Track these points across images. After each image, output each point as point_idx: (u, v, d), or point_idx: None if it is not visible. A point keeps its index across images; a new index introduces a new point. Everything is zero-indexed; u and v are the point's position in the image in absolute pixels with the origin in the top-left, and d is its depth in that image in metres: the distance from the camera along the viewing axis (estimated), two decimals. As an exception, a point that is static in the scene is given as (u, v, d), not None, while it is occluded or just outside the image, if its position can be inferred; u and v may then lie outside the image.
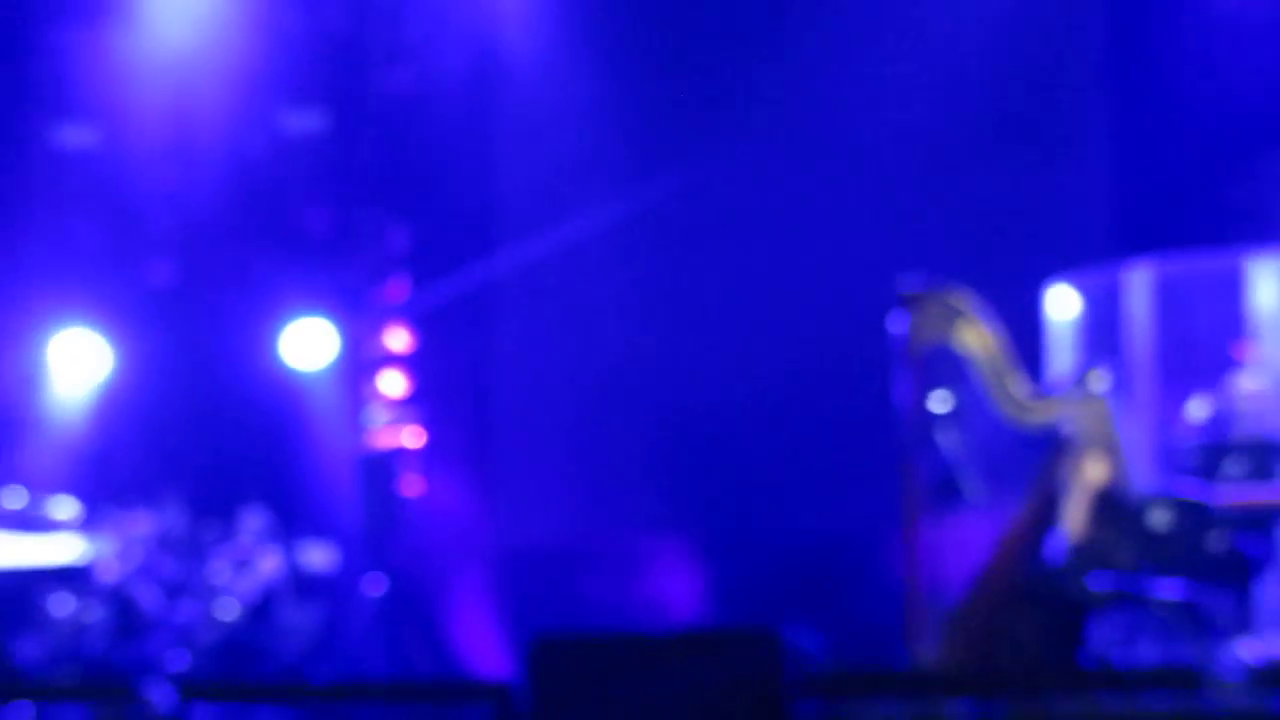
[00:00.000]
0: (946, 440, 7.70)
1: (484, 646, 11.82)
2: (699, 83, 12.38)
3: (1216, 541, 7.84)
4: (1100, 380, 7.76)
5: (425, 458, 12.61)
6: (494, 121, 12.88)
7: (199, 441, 12.32)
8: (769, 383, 11.86)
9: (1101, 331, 10.71)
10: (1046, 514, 7.68)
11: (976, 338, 7.60)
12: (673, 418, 12.25)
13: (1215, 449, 9.14)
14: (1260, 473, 8.70)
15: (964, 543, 7.59)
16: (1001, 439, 7.73)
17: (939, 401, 7.78)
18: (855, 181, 11.83)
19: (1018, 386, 7.59)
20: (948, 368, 7.66)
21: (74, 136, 12.98)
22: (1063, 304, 10.82)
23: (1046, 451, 7.72)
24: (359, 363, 12.58)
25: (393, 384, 12.41)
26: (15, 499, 11.68)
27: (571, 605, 11.62)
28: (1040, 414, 7.63)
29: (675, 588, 11.98)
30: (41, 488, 11.86)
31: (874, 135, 11.93)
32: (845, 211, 11.84)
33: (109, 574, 11.24)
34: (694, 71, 12.43)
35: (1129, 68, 12.34)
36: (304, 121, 12.96)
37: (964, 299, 7.61)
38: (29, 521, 11.62)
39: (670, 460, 12.16)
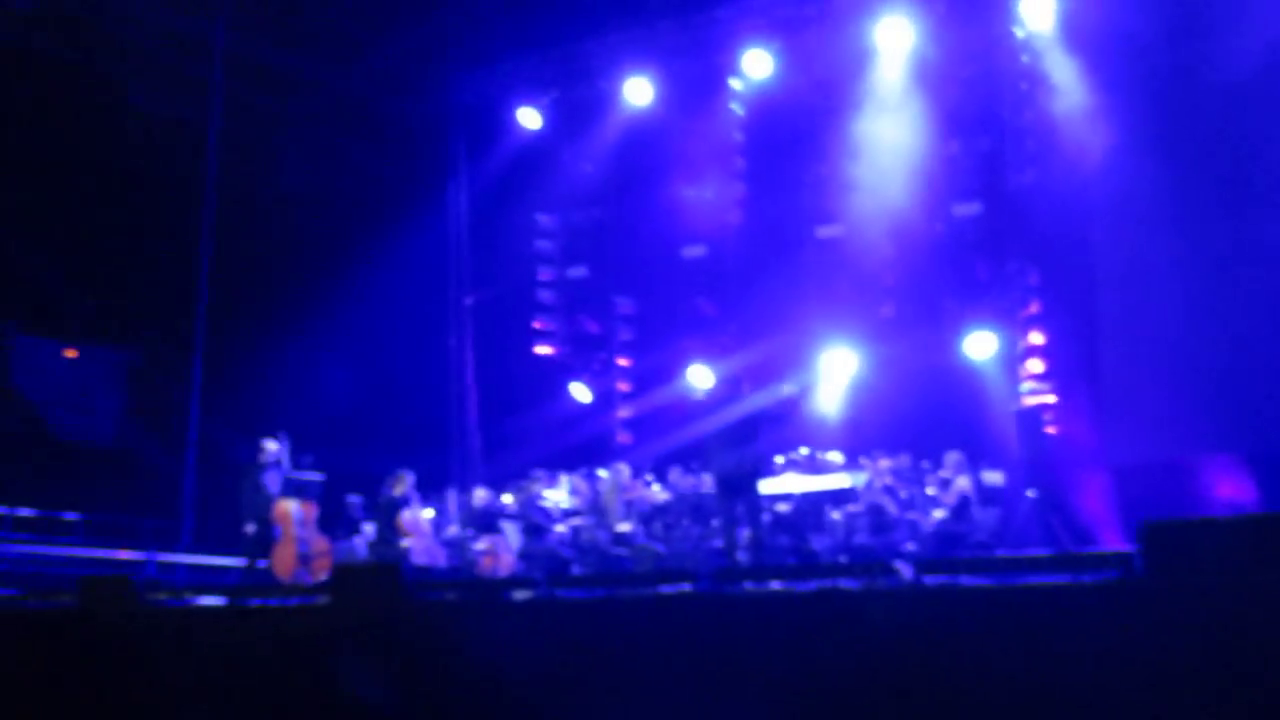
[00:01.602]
0: None
1: (1107, 532, 14.62)
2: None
3: None
4: None
5: (1059, 409, 16.29)
6: (1091, 204, 16.54)
7: (919, 410, 16.68)
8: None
9: None
10: None
11: None
12: (1229, 367, 14.67)
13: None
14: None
15: None
16: None
17: None
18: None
19: None
20: None
21: (825, 232, 18.65)
22: None
23: None
24: (1012, 354, 16.85)
25: (1034, 366, 16.55)
26: (806, 452, 15.74)
27: (1166, 502, 13.67)
28: None
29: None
30: (821, 445, 16.25)
31: None
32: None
33: (867, 494, 14.55)
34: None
35: None
36: (967, 209, 17.69)
37: None
38: (815, 465, 15.64)
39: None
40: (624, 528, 14.98)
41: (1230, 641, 5.23)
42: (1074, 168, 16.28)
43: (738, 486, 12.78)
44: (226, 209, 17.87)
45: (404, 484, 15.11)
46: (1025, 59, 17.17)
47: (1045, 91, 16.76)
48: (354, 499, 15.63)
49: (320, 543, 15.31)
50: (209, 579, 15.45)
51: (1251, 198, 14.86)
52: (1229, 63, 15.00)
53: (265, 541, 14.86)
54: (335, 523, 15.98)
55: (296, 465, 15.41)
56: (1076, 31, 16.60)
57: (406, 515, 15.05)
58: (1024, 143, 17.07)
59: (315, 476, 15.30)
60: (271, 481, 15.08)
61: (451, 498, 16.97)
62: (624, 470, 15.84)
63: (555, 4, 19.52)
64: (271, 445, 15.23)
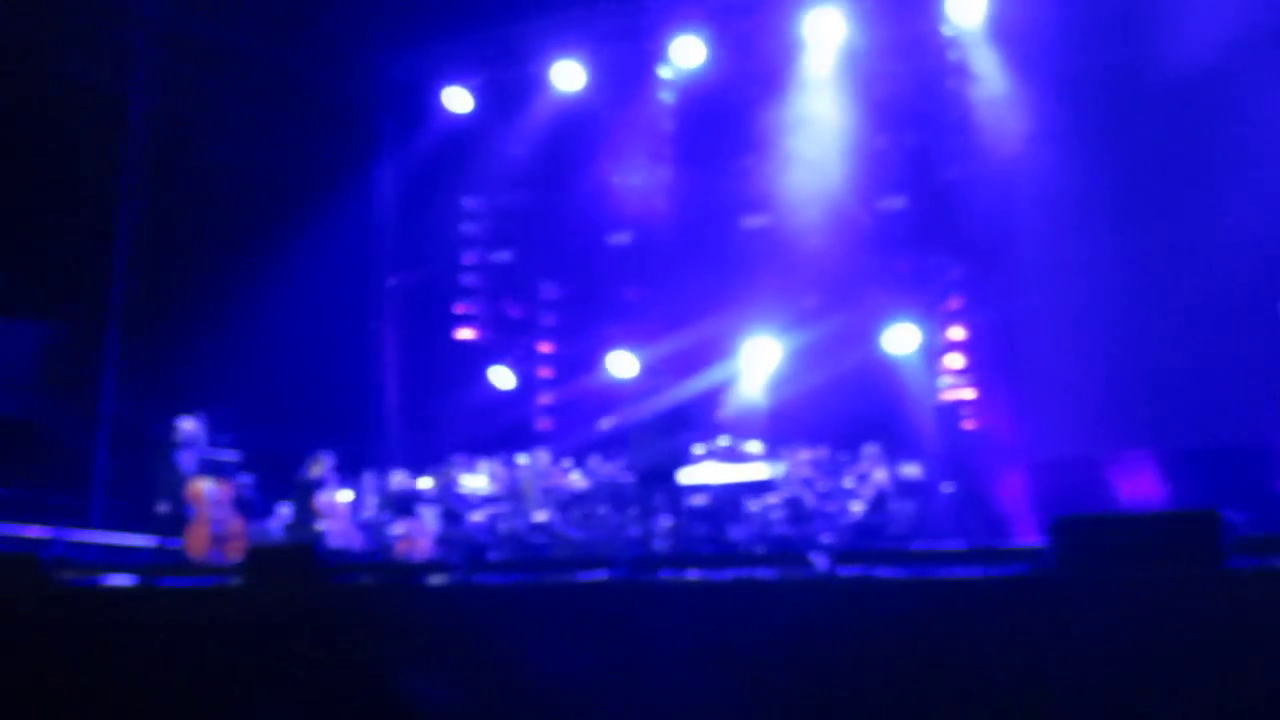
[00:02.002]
0: None
1: (1022, 527, 14.53)
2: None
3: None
4: None
5: (977, 405, 16.51)
6: (1017, 200, 16.70)
7: (839, 402, 16.63)
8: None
9: None
10: None
11: None
12: (1147, 365, 14.80)
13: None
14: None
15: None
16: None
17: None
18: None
19: None
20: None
21: (751, 222, 18.75)
22: None
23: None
24: (933, 349, 16.98)
25: (954, 361, 16.74)
26: (726, 442, 15.57)
27: (1080, 497, 13.76)
28: None
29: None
30: (742, 434, 15.99)
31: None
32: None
33: (786, 485, 14.66)
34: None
35: None
36: (893, 203, 17.73)
37: None
38: (735, 455, 15.36)
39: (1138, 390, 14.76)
40: (542, 515, 14.94)
41: (1138, 634, 5.33)
42: (1000, 164, 16.46)
43: (657, 475, 12.83)
44: (149, 182, 17.65)
45: (322, 466, 15.02)
46: (954, 55, 17.31)
47: (973, 88, 16.97)
48: (245, 479, 15.43)
49: (235, 523, 15.17)
50: (120, 558, 15.20)
51: (1170, 199, 15.08)
52: (1155, 63, 15.22)
53: (179, 521, 14.69)
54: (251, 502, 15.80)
55: (213, 444, 15.26)
56: (1005, 29, 16.74)
57: (323, 497, 14.96)
58: (951, 138, 17.18)
59: (232, 455, 15.14)
60: (187, 460, 14.92)
61: (369, 481, 16.89)
62: (544, 457, 15.83)
63: (486, -15, 19.37)
64: (188, 423, 15.06)
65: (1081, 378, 15.55)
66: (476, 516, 15.04)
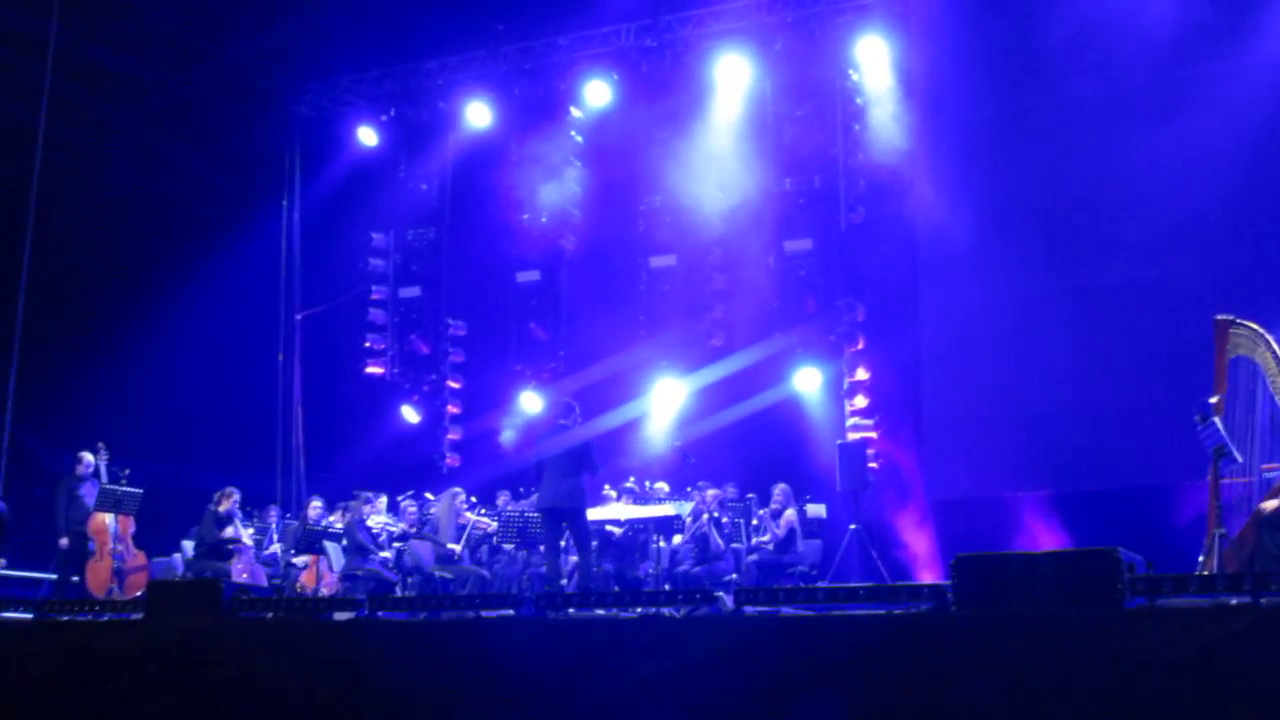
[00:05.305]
0: (1221, 421, 8.86)
1: (925, 565, 14.98)
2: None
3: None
4: None
5: (882, 444, 16.57)
6: (920, 243, 16.69)
7: (745, 441, 16.94)
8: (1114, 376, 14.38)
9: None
10: None
11: (1266, 353, 8.83)
12: (1046, 407, 14.80)
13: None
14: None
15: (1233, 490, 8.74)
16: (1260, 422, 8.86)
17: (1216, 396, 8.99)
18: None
19: None
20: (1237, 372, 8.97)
21: (658, 262, 18.78)
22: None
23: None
24: (839, 389, 17.09)
25: (859, 400, 16.79)
26: (632, 484, 15.81)
27: (982, 537, 14.02)
28: None
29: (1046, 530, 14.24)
30: (648, 475, 16.38)
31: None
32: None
33: (693, 524, 14.61)
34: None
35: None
36: (798, 245, 17.78)
37: (1260, 327, 8.89)
38: (643, 494, 15.69)
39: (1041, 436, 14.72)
40: (451, 550, 14.87)
41: (1037, 671, 5.41)
42: (902, 208, 16.73)
43: (565, 514, 12.84)
44: (51, 211, 17.33)
45: (228, 500, 14.85)
46: (859, 101, 17.52)
47: (877, 133, 17.15)
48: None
49: (137, 558, 14.98)
50: (18, 593, 14.91)
51: (1067, 242, 15.32)
52: (1052, 112, 15.57)
53: (79, 555, 14.48)
54: (154, 537, 15.58)
55: (115, 478, 15.05)
56: (909, 76, 16.96)
57: (228, 532, 14.80)
58: (855, 182, 17.42)
59: (134, 490, 14.94)
60: (88, 494, 14.71)
61: (274, 515, 16.74)
62: (451, 493, 15.74)
63: (397, 21, 19.44)
64: (89, 456, 14.87)
65: (983, 419, 15.61)
66: (383, 553, 14.91)
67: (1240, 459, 9.01)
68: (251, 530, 15.87)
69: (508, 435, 18.80)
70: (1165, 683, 5.16)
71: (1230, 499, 8.82)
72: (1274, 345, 8.96)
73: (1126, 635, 5.37)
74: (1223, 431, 8.92)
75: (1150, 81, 14.88)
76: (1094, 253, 15.11)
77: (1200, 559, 9.00)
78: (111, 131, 19.20)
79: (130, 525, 14.99)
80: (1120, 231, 14.91)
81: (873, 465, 16.03)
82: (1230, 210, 14.20)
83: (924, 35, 16.58)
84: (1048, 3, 15.51)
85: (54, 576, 14.94)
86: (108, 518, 14.73)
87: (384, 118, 20.77)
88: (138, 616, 8.26)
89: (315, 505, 15.84)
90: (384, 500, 15.77)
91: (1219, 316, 9.22)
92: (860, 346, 17.11)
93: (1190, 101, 14.55)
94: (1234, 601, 5.48)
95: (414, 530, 15.25)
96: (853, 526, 14.79)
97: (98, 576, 14.51)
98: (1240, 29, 14.45)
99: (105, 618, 8.86)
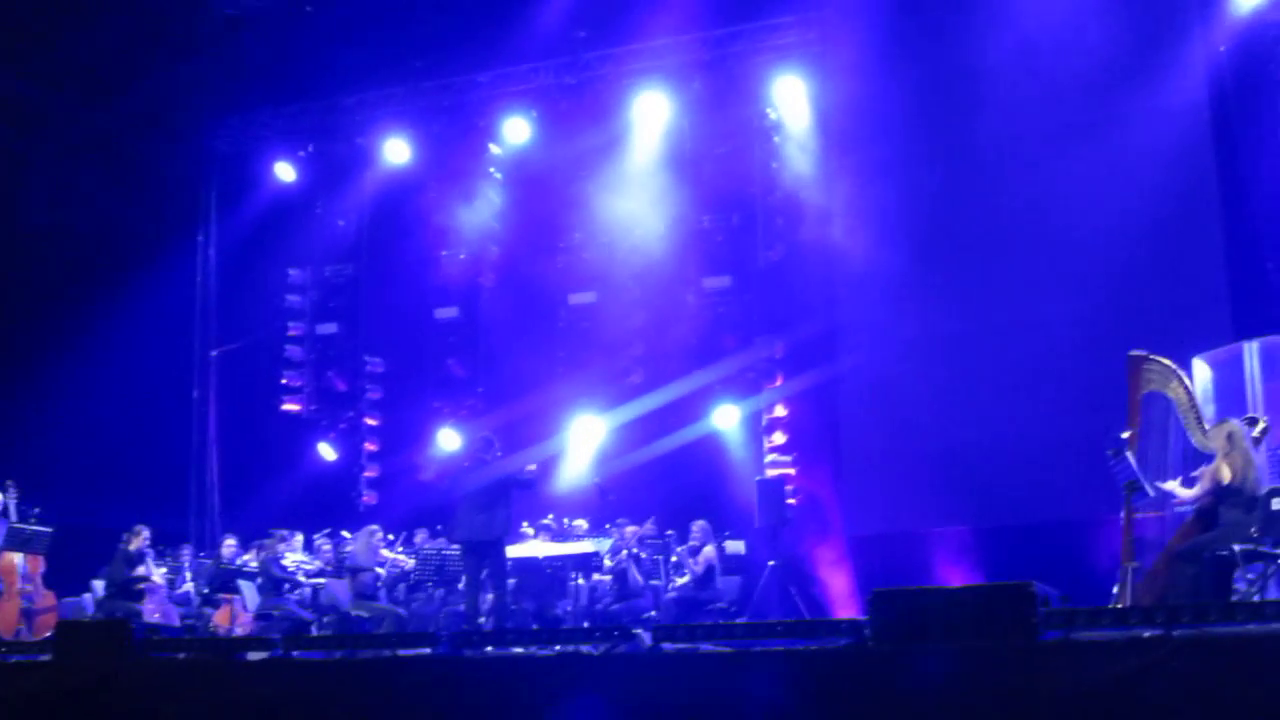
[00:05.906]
0: (1134, 456, 9.12)
1: (843, 600, 15.02)
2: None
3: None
4: (1257, 423, 9.24)
5: (800, 480, 16.67)
6: (837, 280, 16.52)
7: (664, 477, 16.93)
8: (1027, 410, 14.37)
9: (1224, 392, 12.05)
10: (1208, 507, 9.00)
11: (1179, 388, 9.14)
12: (964, 442, 14.76)
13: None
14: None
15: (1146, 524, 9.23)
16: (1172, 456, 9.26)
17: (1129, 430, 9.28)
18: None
19: (1199, 424, 9.13)
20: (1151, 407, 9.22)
21: (577, 299, 18.80)
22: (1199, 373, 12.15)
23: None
24: (757, 425, 17.24)
25: (778, 437, 16.99)
26: (551, 521, 15.86)
27: (900, 572, 14.26)
28: (1211, 440, 9.06)
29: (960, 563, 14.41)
30: (567, 513, 16.39)
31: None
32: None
33: (612, 561, 14.69)
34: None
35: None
36: (717, 282, 18.01)
37: (1172, 363, 9.18)
38: (562, 532, 15.73)
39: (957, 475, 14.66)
40: (366, 587, 14.72)
41: (954, 705, 5.45)
42: (821, 245, 16.70)
43: (483, 550, 12.79)
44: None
45: (138, 539, 14.63)
46: (777, 139, 17.73)
47: (794, 171, 17.36)
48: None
49: (46, 598, 14.73)
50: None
51: (986, 279, 15.37)
52: (971, 150, 15.65)
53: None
54: (64, 577, 15.32)
55: (24, 517, 14.80)
56: (827, 114, 17.08)
57: (139, 571, 14.58)
58: (773, 220, 17.62)
59: (43, 529, 14.69)
60: (-5, 532, 14.48)
61: (187, 554, 16.52)
62: (374, 532, 15.62)
63: (316, 56, 19.33)
64: (-3, 494, 14.64)
65: (901, 454, 15.55)
66: (298, 592, 14.75)
67: (1153, 493, 9.19)
68: (164, 569, 15.63)
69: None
70: (1079, 714, 5.20)
71: (1143, 533, 9.06)
72: (1186, 381, 9.21)
73: (1041, 668, 5.40)
74: (1135, 466, 9.10)
75: (1072, 116, 15.01)
76: (1013, 287, 15.15)
77: (1114, 591, 9.16)
78: (24, 165, 18.91)
79: (40, 565, 14.75)
80: (1039, 266, 14.97)
81: (791, 501, 16.06)
82: (1145, 247, 14.31)
83: (842, 73, 16.64)
84: (968, 38, 15.59)
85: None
86: (16, 557, 14.49)
87: (302, 153, 20.72)
88: (46, 658, 8.12)
89: (229, 543, 15.69)
90: (300, 538, 15.66)
91: (1132, 352, 9.43)
92: (779, 383, 17.24)
93: (1109, 138, 14.68)
94: (1147, 634, 5.52)
95: (330, 569, 15.09)
96: (771, 563, 14.74)
97: (5, 617, 14.25)
98: (1157, 67, 14.62)
99: (13, 659, 8.70)
